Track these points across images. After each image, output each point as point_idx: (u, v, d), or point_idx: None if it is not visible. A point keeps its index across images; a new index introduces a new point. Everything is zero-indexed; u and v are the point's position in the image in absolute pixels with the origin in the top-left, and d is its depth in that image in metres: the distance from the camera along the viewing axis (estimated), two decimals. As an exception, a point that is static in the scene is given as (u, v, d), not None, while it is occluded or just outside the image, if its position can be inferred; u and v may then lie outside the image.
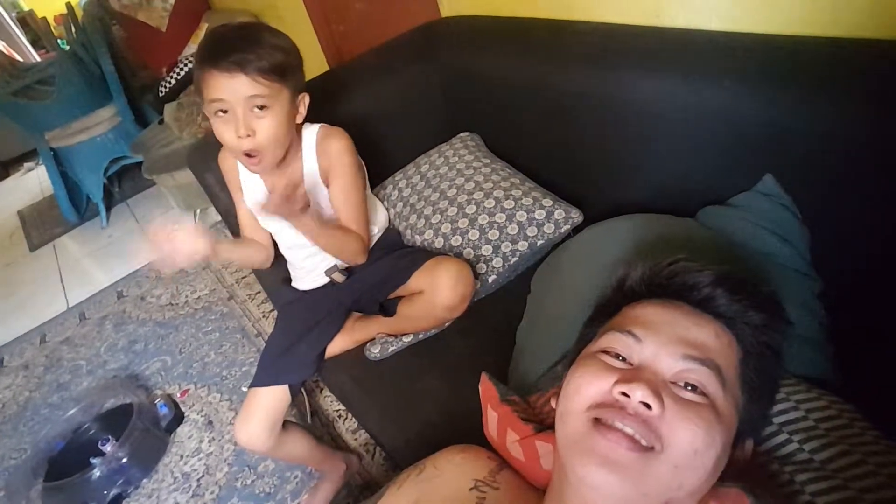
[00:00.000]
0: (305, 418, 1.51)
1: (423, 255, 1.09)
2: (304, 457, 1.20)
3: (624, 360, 0.54)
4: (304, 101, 0.99)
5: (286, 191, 0.87)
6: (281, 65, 0.91)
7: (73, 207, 3.07)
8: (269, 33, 0.94)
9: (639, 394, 0.49)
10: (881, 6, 0.76)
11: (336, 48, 2.25)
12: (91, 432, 1.64)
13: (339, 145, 1.04)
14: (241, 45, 0.88)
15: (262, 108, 0.90)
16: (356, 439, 1.45)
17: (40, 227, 3.29)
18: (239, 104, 0.89)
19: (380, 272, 1.10)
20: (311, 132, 1.06)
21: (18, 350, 2.27)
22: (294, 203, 0.89)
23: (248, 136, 0.91)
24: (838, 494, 0.54)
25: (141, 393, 1.70)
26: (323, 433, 1.49)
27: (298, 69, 0.96)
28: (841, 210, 0.80)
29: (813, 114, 0.78)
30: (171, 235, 0.89)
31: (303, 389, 1.49)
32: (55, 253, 2.96)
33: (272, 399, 1.05)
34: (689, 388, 0.51)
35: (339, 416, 1.52)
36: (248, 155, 0.94)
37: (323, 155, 1.05)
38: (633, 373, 0.52)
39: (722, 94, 0.87)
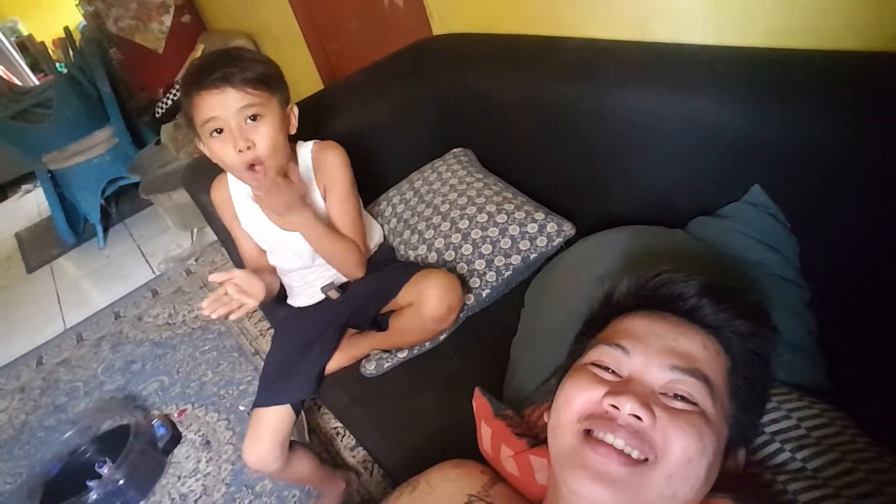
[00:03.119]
0: (303, 436, 1.51)
1: (412, 268, 1.09)
2: (308, 476, 1.20)
3: (613, 372, 0.55)
4: (294, 111, 1.00)
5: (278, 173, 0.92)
6: (265, 74, 0.93)
7: (70, 229, 3.08)
8: (245, 51, 0.97)
9: (628, 406, 0.49)
10: (861, 19, 0.78)
11: (330, 67, 2.27)
12: (88, 454, 1.63)
13: (335, 157, 1.06)
14: (224, 62, 0.90)
15: (254, 118, 0.92)
16: (354, 457, 1.44)
17: (38, 248, 3.30)
18: (232, 118, 0.90)
19: (372, 287, 1.10)
20: (305, 150, 1.07)
21: (15, 373, 2.25)
22: (287, 189, 0.93)
23: (248, 147, 0.91)
24: (831, 503, 0.54)
25: (138, 414, 1.69)
26: (321, 451, 1.48)
27: (282, 80, 0.98)
28: (828, 218, 0.80)
29: (798, 124, 0.79)
30: (233, 282, 0.93)
31: (300, 407, 1.49)
32: (52, 274, 2.96)
33: (278, 418, 1.05)
34: (679, 398, 0.51)
35: (337, 434, 1.51)
36: (251, 169, 0.94)
37: (320, 169, 1.06)
38: (622, 385, 0.53)
39: (709, 107, 0.89)
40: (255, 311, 0.97)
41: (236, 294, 0.93)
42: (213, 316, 0.91)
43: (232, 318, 0.93)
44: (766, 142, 0.82)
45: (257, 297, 0.96)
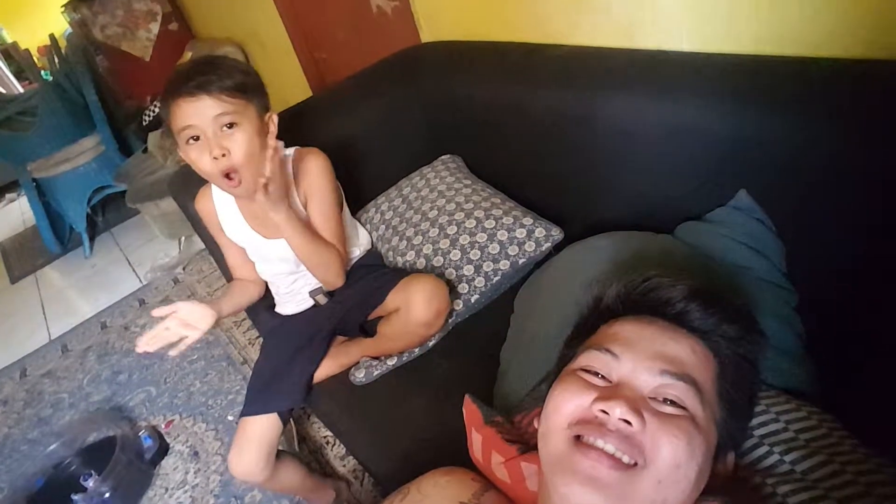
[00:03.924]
0: (293, 446, 1.49)
1: (398, 273, 1.09)
2: (296, 486, 1.18)
3: (603, 377, 0.55)
4: (273, 118, 0.99)
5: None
6: (242, 83, 0.93)
7: (55, 238, 3.04)
8: (226, 59, 0.97)
9: (618, 411, 0.49)
10: (844, 27, 0.79)
11: (318, 74, 2.27)
12: (73, 467, 1.60)
13: (316, 164, 1.05)
14: (202, 69, 0.91)
15: (230, 126, 0.91)
16: (344, 466, 1.43)
17: (22, 258, 3.25)
18: (208, 126, 0.90)
19: (359, 293, 1.10)
20: (286, 156, 1.06)
21: (-3, 385, 2.22)
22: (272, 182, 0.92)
23: (223, 155, 0.91)
24: (820, 505, 0.55)
25: (125, 425, 1.66)
26: (311, 460, 1.47)
27: (260, 88, 0.98)
28: (814, 222, 0.81)
29: (784, 130, 0.80)
30: (176, 315, 0.93)
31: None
32: (37, 284, 2.92)
33: (265, 428, 1.03)
34: (668, 402, 0.51)
35: (327, 443, 1.50)
36: (227, 177, 0.94)
37: (301, 175, 1.05)
38: (611, 390, 0.53)
39: (695, 113, 0.89)
40: (199, 340, 0.97)
41: (177, 328, 0.93)
42: (150, 350, 0.92)
43: (172, 353, 0.93)
44: (752, 147, 0.83)
45: (202, 327, 0.96)
